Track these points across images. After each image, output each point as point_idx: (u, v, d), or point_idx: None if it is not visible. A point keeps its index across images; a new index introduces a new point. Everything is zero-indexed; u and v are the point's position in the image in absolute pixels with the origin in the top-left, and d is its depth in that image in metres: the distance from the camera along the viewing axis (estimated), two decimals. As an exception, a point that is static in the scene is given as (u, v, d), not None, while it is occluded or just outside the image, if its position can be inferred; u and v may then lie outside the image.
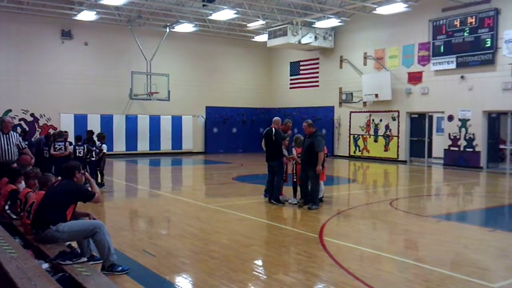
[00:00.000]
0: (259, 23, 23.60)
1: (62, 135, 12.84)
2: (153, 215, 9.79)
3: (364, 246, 7.18)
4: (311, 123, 9.79)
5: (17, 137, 9.31)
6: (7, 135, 9.07)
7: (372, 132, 23.38)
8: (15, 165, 7.51)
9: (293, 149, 10.86)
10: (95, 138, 13.35)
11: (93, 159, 12.75)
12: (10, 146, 9.00)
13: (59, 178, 5.98)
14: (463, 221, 9.75)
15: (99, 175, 13.15)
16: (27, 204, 6.00)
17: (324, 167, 10.75)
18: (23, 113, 22.18)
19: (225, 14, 21.45)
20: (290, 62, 27.94)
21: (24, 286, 3.76)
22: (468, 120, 19.39)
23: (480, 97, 18.87)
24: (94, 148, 12.84)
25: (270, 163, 10.61)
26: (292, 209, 10.50)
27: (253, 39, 27.28)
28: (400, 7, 19.74)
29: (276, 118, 11.01)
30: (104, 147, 13.21)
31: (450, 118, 20.05)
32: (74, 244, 5.80)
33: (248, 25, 24.66)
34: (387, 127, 22.66)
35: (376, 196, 13.07)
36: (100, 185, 13.03)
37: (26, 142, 9.85)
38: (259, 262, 6.40)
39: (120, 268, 5.58)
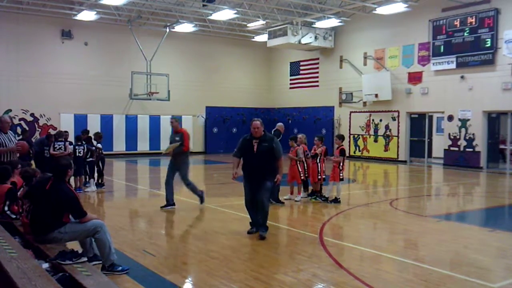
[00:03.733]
0: (259, 23, 23.60)
1: (62, 135, 12.83)
2: (153, 215, 9.78)
3: (364, 246, 7.18)
4: (262, 122, 7.82)
5: (14, 136, 9.29)
6: (7, 134, 9.05)
7: (372, 132, 23.38)
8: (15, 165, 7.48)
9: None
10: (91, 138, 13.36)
11: (92, 159, 12.75)
12: (11, 145, 8.98)
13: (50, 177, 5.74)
14: (463, 221, 9.75)
15: (97, 175, 13.14)
16: (26, 204, 5.98)
17: (343, 168, 10.94)
18: (23, 113, 22.19)
19: (225, 14, 21.46)
20: (290, 62, 27.94)
21: (24, 286, 3.77)
22: (468, 120, 19.40)
23: (480, 97, 18.88)
24: (94, 148, 12.84)
25: None
26: (292, 209, 10.52)
27: (253, 39, 27.28)
28: (400, 7, 19.74)
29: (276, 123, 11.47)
30: (99, 146, 13.21)
31: (450, 118, 20.05)
32: (71, 244, 5.79)
33: (248, 25, 24.67)
34: (387, 127, 22.67)
35: (376, 196, 13.08)
36: (100, 185, 13.04)
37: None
38: (259, 262, 6.40)
39: (120, 268, 5.58)
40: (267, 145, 7.61)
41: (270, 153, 7.59)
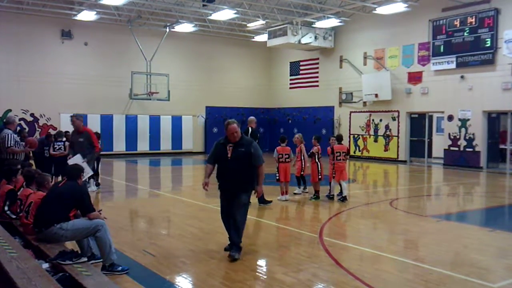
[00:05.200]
0: (259, 23, 23.60)
1: (62, 135, 12.84)
2: (153, 215, 9.78)
3: (364, 246, 7.18)
4: (238, 124, 6.66)
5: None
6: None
7: (372, 132, 23.38)
8: (18, 166, 7.53)
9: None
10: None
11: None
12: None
13: (61, 178, 6.01)
14: (463, 221, 9.74)
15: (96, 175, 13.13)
16: (25, 205, 6.00)
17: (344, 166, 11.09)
18: (23, 113, 22.19)
19: (225, 14, 21.46)
20: (290, 62, 27.94)
21: (24, 286, 3.77)
22: (468, 120, 19.40)
23: (480, 97, 18.88)
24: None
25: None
26: (292, 209, 10.52)
27: (253, 39, 27.28)
28: (400, 7, 19.74)
29: (251, 117, 11.03)
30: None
31: (450, 118, 20.05)
32: (71, 245, 5.79)
33: (248, 25, 24.66)
34: (387, 127, 22.67)
35: (376, 196, 13.07)
36: (98, 184, 13.03)
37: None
38: (259, 262, 6.40)
39: (120, 268, 5.59)
40: (243, 150, 6.40)
41: (247, 159, 6.41)
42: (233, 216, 6.47)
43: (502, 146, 19.81)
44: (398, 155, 22.19)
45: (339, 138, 11.58)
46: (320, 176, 11.17)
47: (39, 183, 6.29)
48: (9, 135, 8.72)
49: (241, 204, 6.48)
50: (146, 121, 25.42)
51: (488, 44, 18.41)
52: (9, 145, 8.60)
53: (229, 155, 6.42)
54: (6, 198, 6.59)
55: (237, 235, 6.46)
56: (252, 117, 11.03)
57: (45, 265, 4.79)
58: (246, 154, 6.40)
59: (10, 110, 21.66)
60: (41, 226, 5.46)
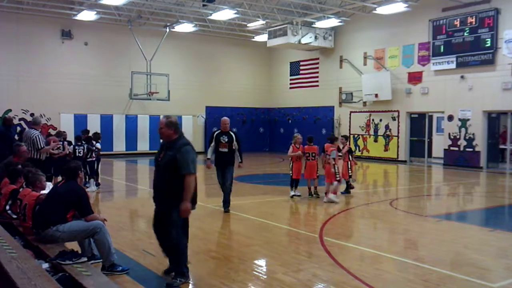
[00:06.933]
0: (259, 23, 23.60)
1: (61, 135, 12.84)
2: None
3: (364, 246, 7.18)
4: (174, 121, 5.35)
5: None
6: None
7: (372, 132, 23.38)
8: (19, 166, 7.53)
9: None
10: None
11: (93, 159, 12.74)
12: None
13: (60, 178, 5.97)
14: (463, 221, 9.74)
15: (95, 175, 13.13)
16: (22, 206, 6.00)
17: (353, 164, 11.67)
18: (23, 113, 22.17)
19: (225, 14, 21.46)
20: (290, 62, 27.94)
21: (24, 286, 3.76)
22: (468, 120, 19.39)
23: (480, 97, 18.87)
24: (94, 148, 12.84)
25: (229, 167, 9.77)
26: (292, 209, 10.52)
27: (253, 39, 27.28)
28: (400, 7, 19.74)
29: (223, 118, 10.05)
30: (98, 147, 13.21)
31: (450, 118, 20.05)
32: (71, 245, 5.79)
33: (248, 25, 24.67)
34: (387, 127, 22.66)
35: (376, 196, 13.07)
36: (97, 184, 13.02)
37: None
38: (259, 262, 6.41)
39: (120, 268, 5.58)
40: (171, 155, 5.18)
41: (172, 166, 5.15)
42: (167, 240, 5.40)
43: (502, 146, 19.82)
44: (398, 155, 22.18)
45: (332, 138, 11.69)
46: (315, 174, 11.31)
47: (31, 183, 6.28)
48: (38, 136, 8.80)
49: (171, 223, 5.26)
50: (146, 121, 25.41)
51: (488, 44, 18.41)
52: (42, 146, 8.70)
53: (159, 160, 5.34)
54: (9, 198, 6.60)
55: (174, 261, 5.42)
56: (223, 118, 10.01)
57: (45, 265, 4.79)
58: (172, 160, 5.16)
59: (10, 110, 21.67)
60: (38, 228, 5.44)
